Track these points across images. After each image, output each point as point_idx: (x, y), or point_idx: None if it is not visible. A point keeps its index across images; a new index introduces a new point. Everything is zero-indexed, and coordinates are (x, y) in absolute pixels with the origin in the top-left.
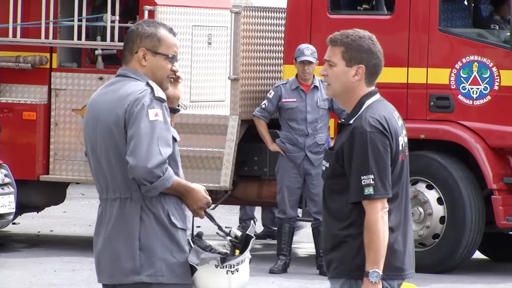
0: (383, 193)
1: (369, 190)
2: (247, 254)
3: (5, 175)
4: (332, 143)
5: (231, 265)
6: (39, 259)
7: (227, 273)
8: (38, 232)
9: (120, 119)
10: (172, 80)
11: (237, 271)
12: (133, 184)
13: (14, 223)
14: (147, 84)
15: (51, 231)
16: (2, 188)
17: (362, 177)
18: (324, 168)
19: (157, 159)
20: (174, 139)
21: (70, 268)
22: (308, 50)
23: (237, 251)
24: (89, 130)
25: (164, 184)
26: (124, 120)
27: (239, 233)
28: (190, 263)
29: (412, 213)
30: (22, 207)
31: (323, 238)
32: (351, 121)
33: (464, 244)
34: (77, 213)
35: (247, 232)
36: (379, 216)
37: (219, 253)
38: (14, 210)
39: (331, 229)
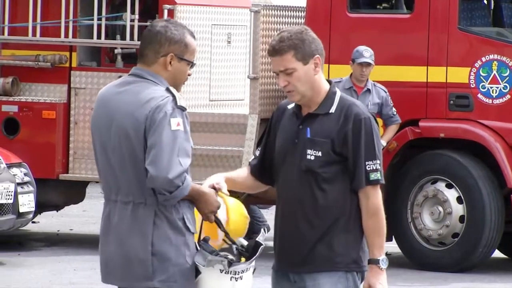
0: (383, 179)
1: (376, 175)
2: (252, 263)
3: (25, 174)
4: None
5: (236, 271)
6: (59, 258)
7: (231, 280)
8: (58, 231)
9: (140, 125)
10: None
11: (241, 279)
12: (147, 189)
13: (33, 222)
14: (167, 90)
15: (71, 230)
16: (22, 187)
17: (367, 163)
18: (312, 157)
19: (177, 169)
20: None
21: (89, 266)
22: (367, 52)
23: (243, 259)
24: (101, 127)
25: (182, 193)
26: (144, 126)
27: (245, 242)
28: (196, 263)
29: (432, 212)
30: (41, 206)
31: (299, 229)
32: (331, 110)
33: (483, 243)
34: (97, 212)
35: (256, 239)
36: (381, 201)
37: (225, 257)
38: (33, 209)
39: (317, 219)
